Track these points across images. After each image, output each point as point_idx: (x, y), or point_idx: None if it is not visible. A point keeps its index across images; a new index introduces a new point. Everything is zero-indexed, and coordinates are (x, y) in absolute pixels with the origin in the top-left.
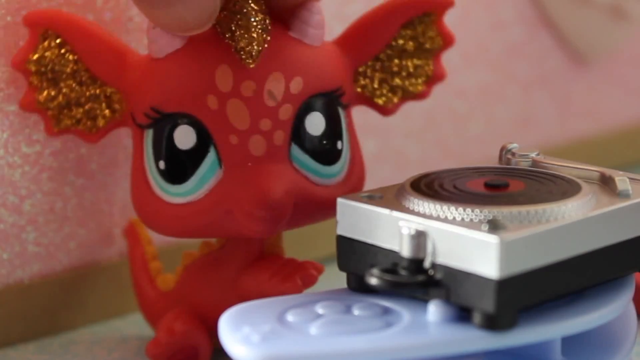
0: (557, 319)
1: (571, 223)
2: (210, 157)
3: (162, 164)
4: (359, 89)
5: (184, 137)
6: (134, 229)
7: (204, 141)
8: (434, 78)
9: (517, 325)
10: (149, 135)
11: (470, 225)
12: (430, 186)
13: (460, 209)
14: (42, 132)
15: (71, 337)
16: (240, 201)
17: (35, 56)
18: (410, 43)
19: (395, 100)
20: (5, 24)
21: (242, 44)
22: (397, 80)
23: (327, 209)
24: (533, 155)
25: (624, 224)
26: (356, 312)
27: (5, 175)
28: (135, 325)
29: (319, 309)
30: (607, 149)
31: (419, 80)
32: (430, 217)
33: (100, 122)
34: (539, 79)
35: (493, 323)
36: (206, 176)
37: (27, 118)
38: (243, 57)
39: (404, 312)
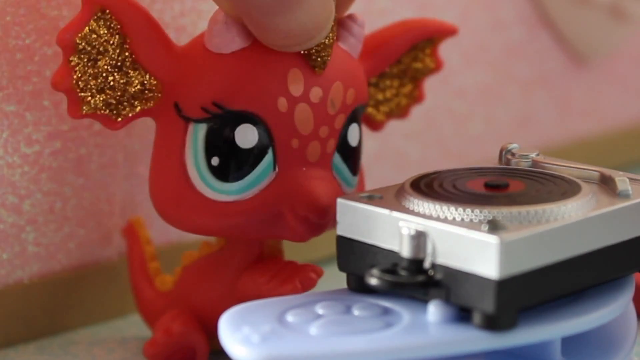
0: (557, 319)
1: (571, 223)
2: (268, 158)
3: (215, 160)
4: None
5: (246, 136)
6: (132, 229)
7: (265, 142)
8: (416, 99)
9: (517, 325)
10: (198, 129)
11: (470, 225)
12: (430, 186)
13: (460, 209)
14: (42, 132)
15: (71, 337)
16: (294, 204)
17: (84, 33)
18: (413, 64)
19: (384, 116)
20: (5, 23)
21: (315, 51)
22: (395, 99)
23: None
24: (533, 155)
25: (624, 224)
26: (356, 312)
27: (4, 175)
28: (135, 325)
29: (319, 310)
30: (607, 149)
31: (408, 101)
32: (430, 217)
33: (129, 110)
34: (539, 79)
35: (493, 323)
36: (260, 177)
37: (26, 118)
38: (316, 63)
39: (403, 312)
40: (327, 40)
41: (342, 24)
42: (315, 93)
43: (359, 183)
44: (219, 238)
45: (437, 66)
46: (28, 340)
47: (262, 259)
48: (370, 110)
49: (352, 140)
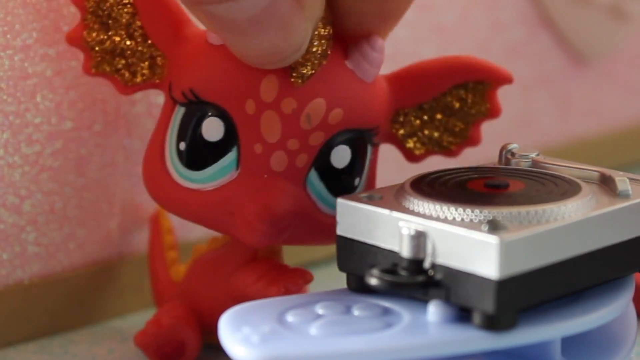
0: (557, 319)
1: (571, 223)
2: (231, 156)
3: (182, 146)
4: (393, 130)
5: (212, 129)
6: (157, 218)
7: (230, 139)
8: (469, 142)
9: (517, 325)
10: (179, 111)
11: (470, 225)
12: (430, 186)
13: (460, 209)
14: (42, 132)
15: (71, 337)
16: (244, 208)
17: None
18: (457, 103)
19: (423, 150)
20: (5, 23)
21: (296, 64)
22: (434, 133)
23: (327, 237)
24: (533, 155)
25: (624, 224)
26: (356, 312)
27: (5, 175)
28: (135, 325)
29: (319, 310)
30: (607, 149)
31: (456, 140)
32: (430, 217)
33: (138, 79)
34: (539, 79)
35: (493, 323)
36: (221, 172)
37: (27, 118)
38: (294, 75)
39: (403, 312)
40: (312, 57)
41: (357, 46)
42: (288, 104)
43: None
44: (225, 234)
45: (493, 112)
46: (28, 340)
47: (255, 258)
48: (403, 139)
49: (337, 162)
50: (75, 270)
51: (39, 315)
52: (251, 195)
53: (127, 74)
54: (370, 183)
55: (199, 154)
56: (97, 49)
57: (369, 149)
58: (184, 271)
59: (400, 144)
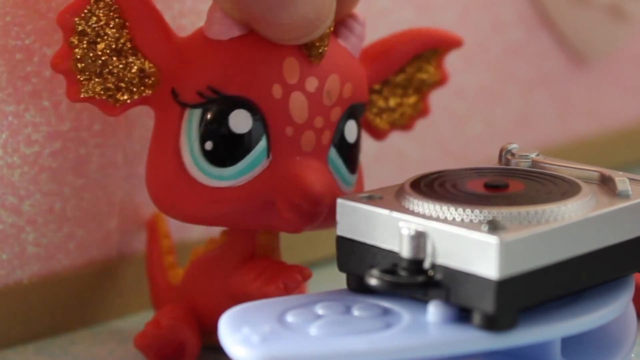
0: (557, 319)
1: (571, 223)
2: (262, 145)
3: (209, 145)
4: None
5: (240, 122)
6: (154, 223)
7: (259, 128)
8: (421, 112)
9: (517, 325)
10: (194, 115)
11: (470, 225)
12: (430, 187)
13: (460, 210)
14: (42, 132)
15: (71, 337)
16: (286, 192)
17: (83, 14)
18: (417, 75)
19: (388, 126)
20: (5, 23)
21: (311, 43)
22: (398, 108)
23: None
24: (533, 155)
25: (623, 225)
26: (356, 312)
27: (4, 175)
28: (135, 326)
29: (319, 310)
30: (607, 149)
31: (409, 112)
32: (430, 217)
33: (128, 96)
34: (538, 79)
35: (493, 323)
36: (253, 164)
37: (26, 118)
38: (312, 53)
39: (403, 312)
40: (325, 34)
41: (343, 22)
42: (311, 82)
43: (357, 184)
44: (222, 235)
45: (442, 78)
46: (28, 341)
47: (253, 257)
48: (373, 117)
49: (349, 136)
50: (74, 271)
51: (39, 316)
52: (290, 179)
53: (117, 94)
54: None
55: (229, 150)
56: (86, 68)
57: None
58: (182, 274)
59: (367, 122)
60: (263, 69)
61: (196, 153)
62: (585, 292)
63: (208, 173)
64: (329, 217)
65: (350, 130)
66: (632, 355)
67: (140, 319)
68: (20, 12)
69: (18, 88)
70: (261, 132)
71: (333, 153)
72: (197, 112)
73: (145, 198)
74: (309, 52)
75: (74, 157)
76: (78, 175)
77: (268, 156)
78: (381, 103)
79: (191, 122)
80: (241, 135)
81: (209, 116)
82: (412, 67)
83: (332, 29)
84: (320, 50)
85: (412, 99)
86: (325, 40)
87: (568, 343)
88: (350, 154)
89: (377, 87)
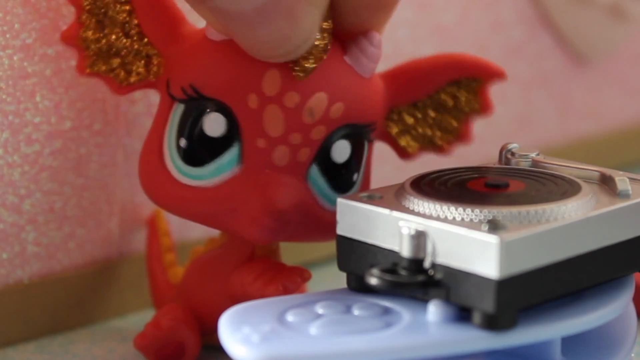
0: (557, 319)
1: (571, 223)
2: (233, 151)
3: (183, 142)
4: (387, 128)
5: (214, 124)
6: (154, 221)
7: (232, 134)
8: (461, 139)
9: (517, 325)
10: (178, 109)
11: (470, 225)
12: (430, 186)
13: (460, 209)
14: (42, 132)
15: (71, 336)
16: (248, 203)
17: None
18: (451, 101)
19: (417, 148)
20: (5, 23)
21: (299, 58)
22: (427, 130)
23: (327, 233)
24: (533, 155)
25: (624, 224)
26: (356, 312)
27: (4, 174)
28: (135, 325)
29: (319, 309)
30: (607, 149)
31: (448, 138)
32: (430, 217)
33: (133, 78)
34: (539, 79)
35: (493, 323)
36: (223, 168)
37: (26, 118)
38: (296, 69)
39: (404, 312)
40: (314, 50)
41: (356, 40)
42: (291, 97)
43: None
44: (222, 234)
45: (485, 108)
46: (28, 339)
47: (253, 258)
48: (397, 137)
49: (338, 156)
50: (75, 270)
51: (39, 315)
52: (255, 190)
53: (122, 74)
54: (366, 180)
55: (200, 150)
56: (92, 47)
57: (366, 145)
58: (182, 273)
59: (393, 141)
60: (242, 76)
61: (173, 148)
62: (585, 292)
63: (180, 169)
64: (301, 232)
65: (341, 150)
66: (632, 355)
67: (140, 319)
68: (20, 12)
69: (18, 88)
70: (234, 139)
71: (314, 171)
72: (181, 108)
73: (146, 197)
74: (293, 67)
75: (74, 156)
76: (78, 174)
77: (239, 164)
78: (406, 124)
79: (175, 116)
80: (213, 138)
81: (187, 114)
82: (445, 92)
83: (328, 46)
84: (307, 66)
85: (448, 124)
86: (314, 58)
87: (568, 343)
88: (337, 174)
89: (403, 108)
